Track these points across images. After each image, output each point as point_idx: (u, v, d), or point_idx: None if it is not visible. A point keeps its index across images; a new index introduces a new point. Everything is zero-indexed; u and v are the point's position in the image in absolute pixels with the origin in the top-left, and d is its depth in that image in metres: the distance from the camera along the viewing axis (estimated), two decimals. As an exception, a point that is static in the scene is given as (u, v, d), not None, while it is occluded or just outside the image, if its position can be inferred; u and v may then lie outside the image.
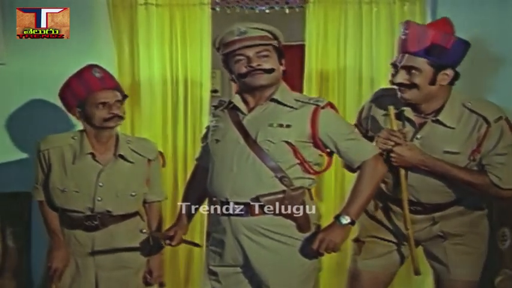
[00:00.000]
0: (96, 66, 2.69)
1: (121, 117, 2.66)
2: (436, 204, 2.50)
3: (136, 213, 2.76)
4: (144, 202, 2.79)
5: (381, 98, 2.61)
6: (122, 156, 2.68)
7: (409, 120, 2.49)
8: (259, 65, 2.34)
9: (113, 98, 2.63)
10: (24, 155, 3.41)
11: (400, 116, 2.49)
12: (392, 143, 2.41)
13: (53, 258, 2.67)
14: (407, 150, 2.41)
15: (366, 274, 2.63)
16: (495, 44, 3.20)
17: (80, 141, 2.67)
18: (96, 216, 2.64)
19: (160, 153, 2.86)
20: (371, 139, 2.51)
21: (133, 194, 2.70)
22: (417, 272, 2.55)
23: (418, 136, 2.46)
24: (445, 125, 2.43)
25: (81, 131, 2.71)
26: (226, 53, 2.40)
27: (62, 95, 2.71)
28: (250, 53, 2.35)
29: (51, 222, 2.71)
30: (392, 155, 2.42)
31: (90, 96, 2.61)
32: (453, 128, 2.42)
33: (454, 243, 2.53)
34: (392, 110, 2.46)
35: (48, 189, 2.68)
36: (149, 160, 2.75)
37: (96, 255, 2.66)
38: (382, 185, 2.58)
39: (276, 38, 2.42)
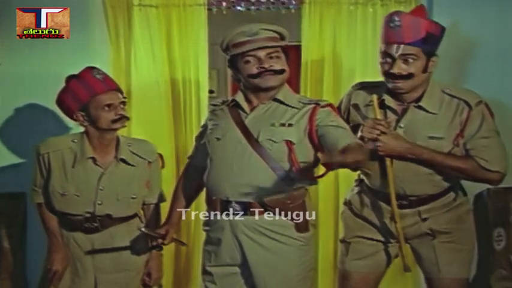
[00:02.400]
0: (96, 68, 2.66)
1: (127, 118, 2.65)
2: (422, 198, 2.51)
3: (135, 215, 2.75)
4: (143, 204, 2.78)
5: (359, 91, 2.63)
6: (123, 160, 2.66)
7: (389, 108, 2.50)
8: (271, 66, 2.35)
9: (117, 99, 2.62)
10: (21, 156, 3.38)
11: (382, 105, 2.50)
12: (378, 132, 2.40)
13: (53, 261, 2.65)
14: (392, 139, 2.41)
15: (355, 275, 2.63)
16: (492, 42, 3.21)
17: (80, 145, 2.64)
18: (96, 218, 2.63)
19: (160, 155, 2.84)
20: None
21: (133, 196, 2.68)
22: (407, 269, 2.54)
23: (402, 125, 2.47)
24: (427, 111, 2.45)
25: (82, 134, 2.68)
26: (235, 54, 2.38)
27: (61, 99, 2.67)
28: (261, 54, 2.35)
29: (50, 224, 2.69)
30: (378, 144, 2.41)
31: (94, 99, 2.58)
32: (435, 114, 2.45)
33: (443, 241, 2.54)
34: (376, 99, 2.48)
35: (48, 193, 2.66)
36: (149, 162, 2.73)
37: (94, 254, 2.64)
38: (366, 180, 2.58)
39: (283, 39, 2.43)
